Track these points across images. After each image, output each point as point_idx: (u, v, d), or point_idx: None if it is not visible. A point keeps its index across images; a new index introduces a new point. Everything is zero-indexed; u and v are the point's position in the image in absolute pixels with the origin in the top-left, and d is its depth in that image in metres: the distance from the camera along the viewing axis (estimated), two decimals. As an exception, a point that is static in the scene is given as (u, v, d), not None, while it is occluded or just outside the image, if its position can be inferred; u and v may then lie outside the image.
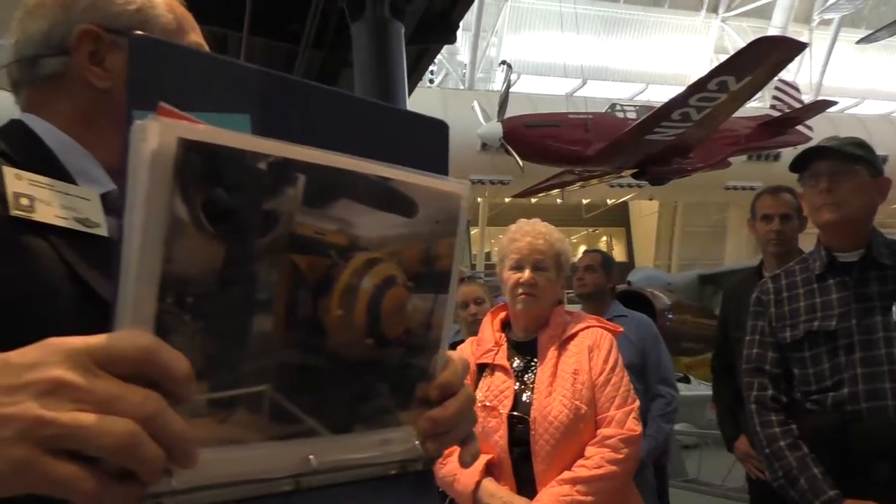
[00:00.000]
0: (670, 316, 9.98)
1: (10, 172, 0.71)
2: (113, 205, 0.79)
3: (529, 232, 1.90)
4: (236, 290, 0.46)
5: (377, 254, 0.53)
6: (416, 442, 0.58)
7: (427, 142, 0.65)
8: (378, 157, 0.52)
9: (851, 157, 1.78)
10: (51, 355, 0.41)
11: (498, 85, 18.00)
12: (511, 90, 13.43)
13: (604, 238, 30.18)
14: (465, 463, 0.64)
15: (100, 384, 0.40)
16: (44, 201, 0.71)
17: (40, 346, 0.42)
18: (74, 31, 0.80)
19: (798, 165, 1.87)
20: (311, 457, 0.50)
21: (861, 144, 1.83)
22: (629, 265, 24.41)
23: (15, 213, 0.68)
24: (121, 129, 0.80)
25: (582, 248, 3.90)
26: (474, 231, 22.80)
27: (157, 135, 0.41)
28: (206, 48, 0.89)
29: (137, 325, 0.42)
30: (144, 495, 0.42)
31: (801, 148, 2.05)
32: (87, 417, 0.39)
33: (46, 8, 0.82)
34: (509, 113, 13.07)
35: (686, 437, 7.63)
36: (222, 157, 0.44)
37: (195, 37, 0.89)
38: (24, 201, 0.69)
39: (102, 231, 0.75)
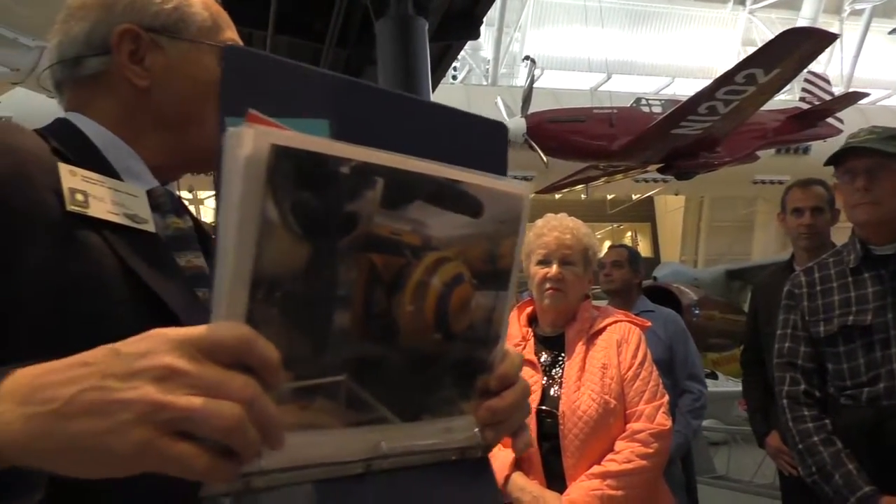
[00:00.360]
0: (697, 311, 9.91)
1: (64, 169, 0.73)
2: (156, 201, 0.81)
3: (557, 227, 1.90)
4: (319, 287, 0.49)
5: (446, 253, 0.56)
6: (476, 430, 0.62)
7: (486, 143, 0.67)
8: (443, 159, 0.55)
9: (890, 154, 1.74)
10: (160, 344, 0.44)
11: (521, 80, 17.94)
12: (535, 85, 13.38)
13: (629, 233, 29.95)
14: (518, 451, 0.68)
15: (206, 370, 0.44)
16: (97, 197, 0.73)
17: (147, 336, 0.45)
18: (114, 30, 0.81)
19: (834, 161, 1.84)
20: (381, 443, 0.54)
21: None
22: (655, 261, 24.20)
23: (71, 208, 0.70)
24: (162, 127, 0.82)
25: (607, 244, 3.87)
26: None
27: (251, 141, 0.44)
28: (238, 40, 0.90)
29: (232, 318, 0.45)
30: (238, 474, 0.45)
31: (831, 141, 2.02)
32: (199, 401, 0.43)
33: (88, 9, 0.83)
34: (533, 108, 13.02)
35: (714, 434, 7.56)
36: (309, 162, 0.47)
37: (231, 34, 0.90)
38: (80, 197, 0.71)
39: (150, 227, 0.77)
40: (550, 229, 1.89)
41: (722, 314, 10.43)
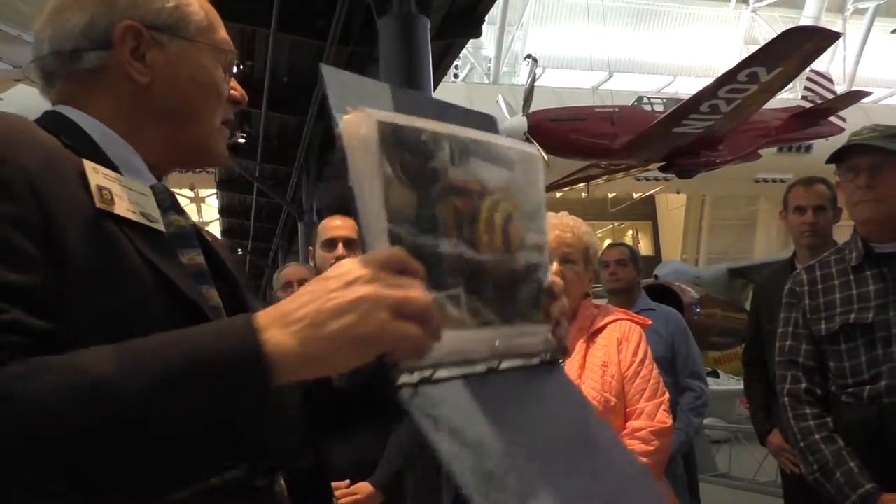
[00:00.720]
0: (698, 310, 9.91)
1: (89, 165, 0.74)
2: (157, 198, 0.82)
3: (557, 225, 1.89)
4: (428, 221, 0.67)
5: (498, 196, 0.75)
6: (549, 336, 0.80)
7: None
8: None
9: (892, 151, 1.74)
10: (355, 264, 0.61)
11: (523, 79, 17.93)
12: (536, 84, 13.37)
13: (630, 232, 29.93)
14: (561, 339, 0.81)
15: (393, 275, 0.60)
16: (117, 195, 0.75)
17: (340, 264, 0.62)
18: (118, 26, 0.81)
19: (836, 158, 1.84)
20: (496, 341, 0.71)
21: None
22: (656, 259, 24.19)
23: (100, 205, 0.72)
24: (160, 124, 0.83)
25: (608, 242, 3.88)
26: (500, 226, 22.71)
27: (364, 121, 0.63)
28: (230, 43, 0.92)
29: (382, 246, 0.62)
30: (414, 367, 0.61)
31: (833, 139, 2.01)
32: (405, 290, 0.59)
33: (85, 2, 0.83)
34: (534, 107, 13.01)
35: (716, 432, 7.56)
36: (403, 132, 0.66)
37: (223, 33, 0.91)
38: (106, 195, 0.73)
39: (160, 226, 0.79)
40: (551, 228, 1.88)
41: (723, 312, 10.43)
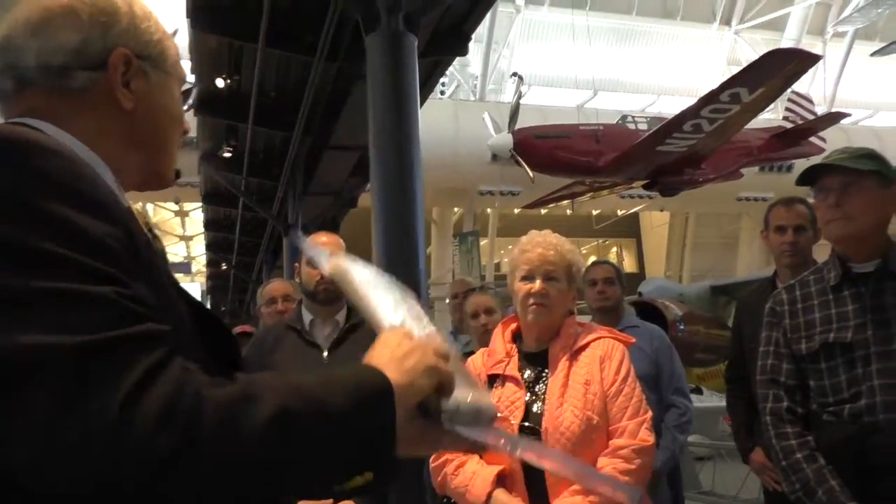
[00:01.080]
0: (682, 327, 9.92)
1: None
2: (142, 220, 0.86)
3: (540, 243, 1.90)
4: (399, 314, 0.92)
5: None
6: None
7: None
8: None
9: (859, 171, 1.77)
10: (430, 344, 0.82)
11: (509, 96, 18.03)
12: (522, 102, 13.45)
13: (614, 249, 30.09)
14: None
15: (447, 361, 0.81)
16: (136, 210, 0.81)
17: (423, 339, 0.84)
18: (115, 52, 0.84)
19: (807, 179, 1.87)
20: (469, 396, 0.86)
21: (870, 155, 1.81)
22: (640, 276, 24.30)
23: (145, 228, 0.80)
24: (136, 149, 0.86)
25: (592, 259, 3.89)
26: (484, 242, 22.79)
27: (342, 258, 1.04)
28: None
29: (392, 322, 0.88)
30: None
31: (814, 159, 2.05)
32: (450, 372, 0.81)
33: (79, 20, 0.83)
34: (520, 124, 13.09)
35: (699, 449, 7.57)
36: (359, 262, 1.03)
37: (182, 67, 0.97)
38: (136, 207, 0.81)
39: (160, 244, 0.87)
40: (534, 245, 1.90)
41: (707, 329, 10.46)
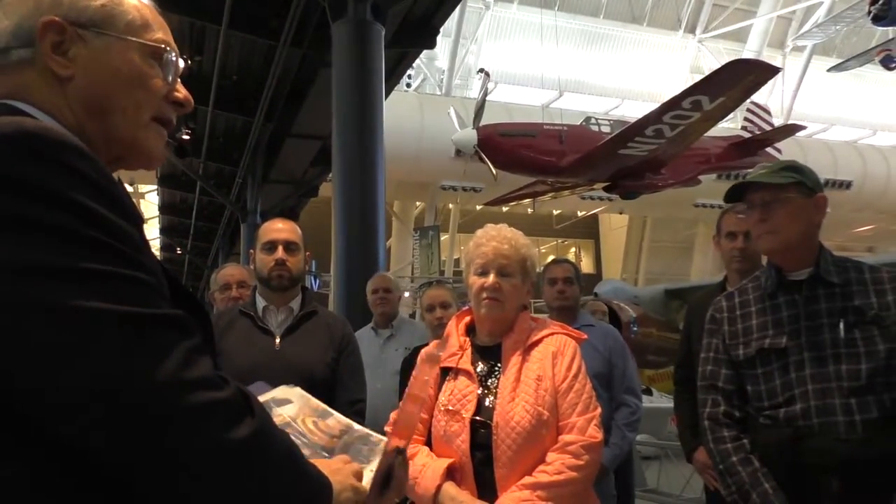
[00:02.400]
0: (635, 328, 10.10)
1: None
2: None
3: (495, 237, 1.90)
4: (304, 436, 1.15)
5: (299, 416, 1.20)
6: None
7: None
8: None
9: (781, 185, 1.82)
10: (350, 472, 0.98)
11: (475, 92, 18.06)
12: (488, 98, 13.47)
13: (573, 249, 30.41)
14: None
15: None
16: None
17: (337, 470, 0.95)
18: (39, 21, 0.85)
19: (731, 197, 1.92)
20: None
21: (791, 168, 1.87)
22: (597, 277, 24.62)
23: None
24: (91, 118, 0.85)
25: (550, 258, 3.91)
26: (444, 237, 22.81)
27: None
28: (173, 44, 0.96)
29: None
30: None
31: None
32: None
33: (15, 6, 0.87)
34: (485, 121, 13.11)
35: (647, 448, 7.71)
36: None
37: (162, 35, 0.95)
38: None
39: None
40: (489, 239, 1.90)
41: (659, 332, 10.66)
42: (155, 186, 18.17)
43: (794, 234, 1.82)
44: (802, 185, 1.83)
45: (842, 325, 1.75)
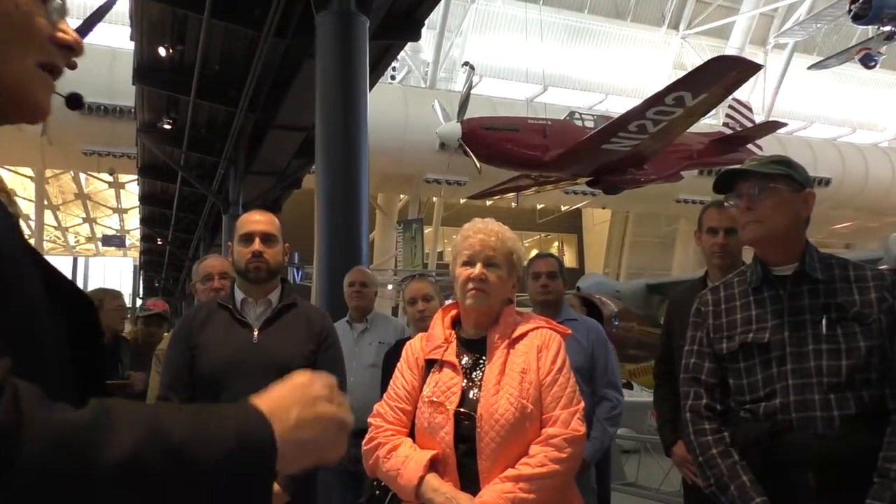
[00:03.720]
0: (617, 323, 10.15)
1: None
2: None
3: (482, 229, 1.91)
4: None
5: None
6: None
7: None
8: None
9: (770, 175, 1.84)
10: (315, 381, 0.78)
11: (459, 86, 18.03)
12: (472, 92, 13.45)
13: (556, 243, 30.53)
14: None
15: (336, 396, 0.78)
16: None
17: (303, 375, 0.78)
18: None
19: (724, 185, 1.94)
20: None
21: (781, 161, 1.89)
22: (580, 271, 24.75)
23: None
24: None
25: (534, 252, 3.90)
26: (428, 230, 22.81)
27: None
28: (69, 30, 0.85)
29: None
30: None
31: (747, 166, 2.11)
32: (347, 416, 0.78)
33: None
34: (469, 114, 13.09)
35: (626, 442, 7.77)
36: None
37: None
38: None
39: (15, 210, 0.83)
40: (476, 231, 1.91)
41: (640, 326, 10.73)
42: (135, 176, 17.97)
43: (779, 226, 1.84)
44: (791, 178, 1.85)
45: (824, 322, 1.77)
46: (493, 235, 1.89)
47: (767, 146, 15.22)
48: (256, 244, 2.39)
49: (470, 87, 13.31)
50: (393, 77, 21.29)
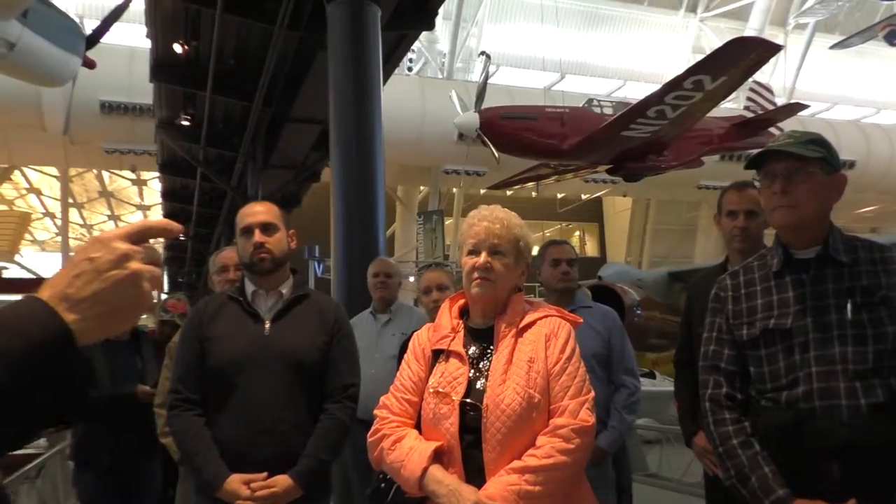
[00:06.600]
0: (639, 311, 10.08)
1: None
2: None
3: (486, 217, 1.86)
4: None
5: None
6: None
7: None
8: None
9: (807, 158, 1.76)
10: (110, 240, 0.76)
11: (477, 75, 17.93)
12: (489, 81, 13.36)
13: (577, 233, 30.36)
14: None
15: (137, 247, 0.77)
16: None
17: (99, 239, 0.76)
18: None
19: (754, 164, 1.85)
20: None
21: (817, 141, 1.80)
22: (601, 260, 24.60)
23: None
24: None
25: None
26: (449, 221, 22.77)
27: None
28: None
29: None
30: None
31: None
32: (154, 269, 0.78)
33: None
34: (487, 104, 13.01)
35: (648, 432, 7.70)
36: None
37: None
38: None
39: None
40: (480, 219, 1.86)
41: (662, 315, 10.64)
42: (157, 173, 18.12)
43: (812, 211, 1.76)
44: (826, 161, 1.77)
45: (849, 306, 1.70)
46: (498, 223, 1.84)
47: (789, 129, 14.91)
48: (257, 235, 2.37)
49: (487, 77, 13.22)
50: (410, 69, 21.23)
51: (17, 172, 27.00)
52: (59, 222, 27.82)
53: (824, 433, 1.65)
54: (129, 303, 0.75)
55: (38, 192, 30.97)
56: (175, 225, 0.81)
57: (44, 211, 32.17)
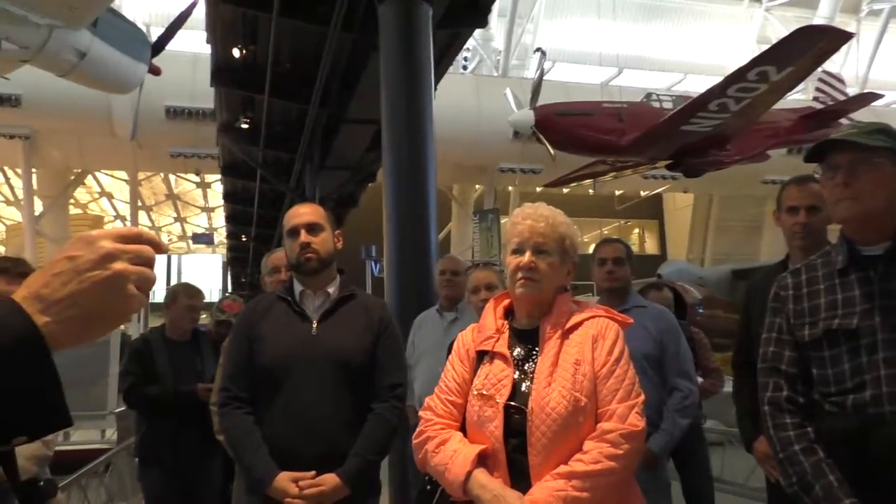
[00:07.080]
0: (700, 310, 9.81)
1: None
2: None
3: (531, 215, 1.81)
4: None
5: None
6: None
7: None
8: None
9: (871, 147, 1.65)
10: (96, 239, 0.71)
11: (532, 73, 17.80)
12: (545, 78, 13.24)
13: (636, 230, 29.81)
14: None
15: (126, 246, 0.72)
16: None
17: (79, 238, 0.71)
18: None
19: (815, 156, 1.75)
20: None
21: (883, 131, 1.69)
22: (661, 258, 24.09)
23: None
24: None
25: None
26: (504, 220, 22.67)
27: None
28: None
29: None
30: None
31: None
32: (143, 269, 0.73)
33: None
34: (542, 101, 12.89)
35: (710, 434, 7.47)
36: None
37: None
38: None
39: None
40: (524, 217, 1.81)
41: (725, 314, 10.33)
42: (219, 176, 18.63)
43: (877, 204, 1.66)
44: (893, 151, 1.67)
45: None
46: (543, 221, 1.79)
47: (862, 120, 14.31)
48: (303, 236, 2.39)
49: (542, 74, 13.11)
50: (465, 67, 21.23)
51: (89, 177, 28.18)
52: (129, 224, 28.94)
53: (894, 441, 1.55)
54: (110, 306, 0.70)
55: (109, 196, 32.29)
56: (163, 242, 0.77)
57: (115, 214, 33.52)
